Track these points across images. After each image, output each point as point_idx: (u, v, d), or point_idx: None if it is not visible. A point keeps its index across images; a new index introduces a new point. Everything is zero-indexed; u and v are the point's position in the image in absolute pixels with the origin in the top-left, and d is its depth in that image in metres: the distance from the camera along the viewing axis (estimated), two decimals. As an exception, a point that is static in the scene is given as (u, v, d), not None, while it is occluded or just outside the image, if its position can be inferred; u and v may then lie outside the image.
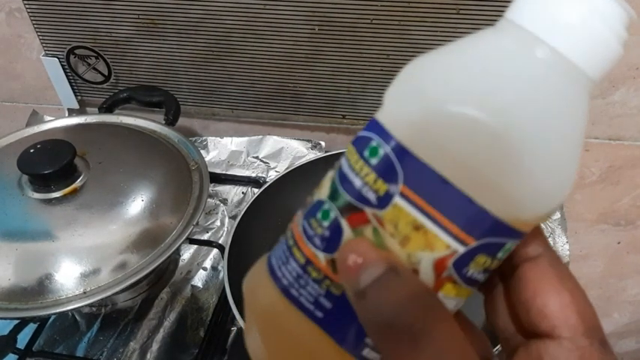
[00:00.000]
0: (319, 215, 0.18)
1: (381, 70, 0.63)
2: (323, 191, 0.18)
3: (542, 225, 0.59)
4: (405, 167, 0.16)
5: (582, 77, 0.17)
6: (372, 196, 0.17)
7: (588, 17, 0.16)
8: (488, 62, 0.17)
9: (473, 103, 0.16)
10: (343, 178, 0.18)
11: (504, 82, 0.16)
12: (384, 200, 0.17)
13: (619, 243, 0.79)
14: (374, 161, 0.17)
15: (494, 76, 0.16)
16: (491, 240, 0.16)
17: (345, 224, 0.17)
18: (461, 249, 0.16)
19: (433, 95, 0.17)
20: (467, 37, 0.18)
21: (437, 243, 0.16)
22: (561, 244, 0.57)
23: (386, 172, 0.17)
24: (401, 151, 0.16)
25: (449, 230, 0.16)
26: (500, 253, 0.17)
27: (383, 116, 0.18)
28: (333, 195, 0.18)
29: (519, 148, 0.16)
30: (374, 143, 0.17)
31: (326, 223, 0.18)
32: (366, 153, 0.17)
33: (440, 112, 0.16)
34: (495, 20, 0.55)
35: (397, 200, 0.16)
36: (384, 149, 0.17)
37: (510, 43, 0.17)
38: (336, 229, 0.17)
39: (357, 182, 0.17)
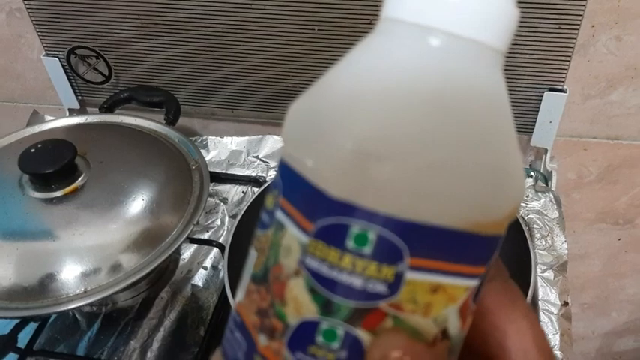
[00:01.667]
0: (321, 339, 0.14)
1: (381, 70, 0.63)
2: (300, 308, 0.15)
3: (541, 224, 0.59)
4: (405, 237, 0.14)
5: (489, 52, 0.15)
6: (382, 288, 0.14)
7: None
8: (385, 75, 0.15)
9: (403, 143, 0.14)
10: (330, 283, 0.14)
11: (413, 89, 0.14)
12: (396, 284, 0.14)
13: (617, 242, 0.79)
14: (367, 249, 0.14)
15: (400, 89, 0.14)
16: (492, 257, 0.16)
17: (361, 333, 0.14)
18: (475, 282, 0.15)
19: (369, 148, 0.14)
20: (349, 57, 0.16)
21: (457, 292, 0.15)
22: (559, 243, 0.58)
23: (388, 253, 0.14)
24: (390, 222, 0.14)
25: (463, 273, 0.15)
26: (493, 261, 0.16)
27: (349, 199, 0.14)
28: (327, 309, 0.14)
29: (454, 158, 0.14)
30: (356, 229, 0.14)
31: (337, 344, 0.14)
32: (352, 244, 0.14)
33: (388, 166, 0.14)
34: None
35: (409, 276, 0.14)
36: (373, 230, 0.14)
37: (399, 43, 0.15)
38: (353, 344, 0.14)
39: (358, 281, 0.14)
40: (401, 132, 0.14)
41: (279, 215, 0.15)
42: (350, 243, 0.14)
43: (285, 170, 0.16)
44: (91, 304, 0.48)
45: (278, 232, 0.15)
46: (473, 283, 0.15)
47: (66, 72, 0.73)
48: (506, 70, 0.60)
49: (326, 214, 0.14)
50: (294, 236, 0.15)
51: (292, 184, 0.15)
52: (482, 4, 0.15)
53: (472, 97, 0.15)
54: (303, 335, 0.15)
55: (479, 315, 0.17)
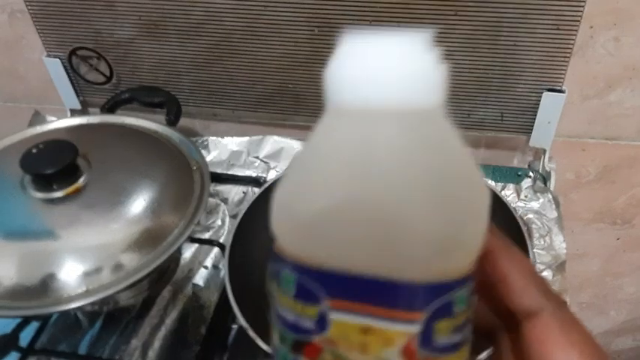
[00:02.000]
0: None
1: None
2: (274, 337, 0.18)
3: (540, 224, 0.60)
4: (320, 281, 0.16)
5: (432, 111, 0.16)
6: (310, 324, 0.16)
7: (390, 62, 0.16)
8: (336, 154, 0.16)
9: (340, 195, 0.15)
10: (278, 316, 0.17)
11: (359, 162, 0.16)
12: (322, 322, 0.16)
13: (616, 241, 0.79)
14: (292, 290, 0.16)
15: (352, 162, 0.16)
16: (436, 303, 0.15)
17: None
18: (416, 328, 0.15)
19: (300, 210, 0.16)
20: (308, 143, 0.18)
21: (392, 335, 0.16)
22: (558, 242, 0.58)
23: (307, 295, 0.16)
24: (306, 269, 0.16)
25: (393, 318, 0.15)
26: (457, 306, 0.16)
27: (278, 246, 0.17)
28: (282, 338, 0.17)
29: (391, 214, 0.15)
30: (283, 274, 0.17)
31: None
32: (283, 286, 0.17)
33: (316, 217, 0.16)
34: (491, 21, 0.56)
35: (333, 316, 0.16)
36: (293, 274, 0.16)
37: (338, 128, 0.17)
38: None
39: (290, 316, 0.17)
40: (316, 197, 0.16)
41: (344, 317, 0.17)
42: (282, 285, 0.17)
43: (324, 274, 0.17)
44: (92, 304, 0.48)
45: (357, 332, 0.16)
46: (412, 328, 0.15)
47: (67, 73, 0.73)
48: (505, 70, 0.61)
49: (273, 262, 0.17)
50: (389, 330, 0.16)
51: (348, 285, 0.16)
52: (410, 74, 0.16)
53: (395, 159, 0.16)
54: (275, 357, 0.18)
55: (527, 342, 0.17)
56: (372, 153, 0.16)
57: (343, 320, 0.16)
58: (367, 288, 0.15)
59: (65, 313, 0.56)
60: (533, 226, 0.60)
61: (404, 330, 0.15)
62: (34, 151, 0.50)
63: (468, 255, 0.17)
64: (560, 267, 0.56)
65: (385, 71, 0.16)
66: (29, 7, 0.68)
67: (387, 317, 0.15)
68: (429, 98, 0.16)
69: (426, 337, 0.16)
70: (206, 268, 0.59)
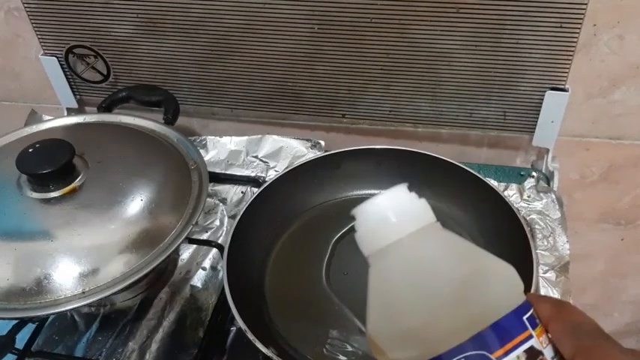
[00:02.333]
0: None
1: (381, 69, 0.63)
2: None
3: (543, 224, 0.59)
4: None
5: (432, 226, 0.23)
6: None
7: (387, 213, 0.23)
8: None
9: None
10: None
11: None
12: None
13: (620, 242, 0.79)
14: None
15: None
16: None
17: None
18: None
19: (399, 329, 0.22)
20: (372, 293, 0.23)
21: None
22: (561, 243, 0.57)
23: None
24: None
25: None
26: None
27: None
28: None
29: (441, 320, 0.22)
30: None
31: None
32: None
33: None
34: (494, 19, 0.55)
35: None
36: None
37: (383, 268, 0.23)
38: None
39: None
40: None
41: None
42: None
43: None
44: (89, 305, 0.47)
45: None
46: None
47: (64, 71, 0.73)
48: (507, 69, 0.61)
49: None
50: None
51: None
52: (408, 210, 0.23)
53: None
54: None
55: None
56: (414, 272, 0.22)
57: None
58: None
59: (62, 315, 0.56)
60: (537, 226, 0.59)
61: None
62: (31, 150, 0.50)
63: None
64: (563, 268, 0.55)
65: (396, 214, 0.23)
66: (26, 5, 0.68)
67: None
68: (428, 218, 0.23)
69: None
70: (204, 269, 0.58)
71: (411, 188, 0.23)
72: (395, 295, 0.22)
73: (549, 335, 0.22)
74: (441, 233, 0.23)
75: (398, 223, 0.23)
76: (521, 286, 0.22)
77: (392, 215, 0.23)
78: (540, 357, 0.21)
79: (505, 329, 0.20)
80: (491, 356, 0.20)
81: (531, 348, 0.21)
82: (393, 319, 0.22)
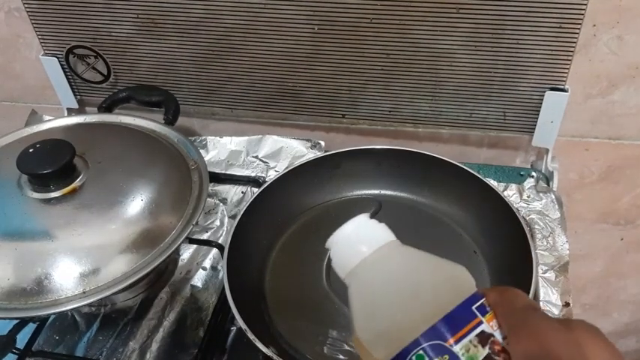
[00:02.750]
0: None
1: (381, 69, 0.63)
2: None
3: (543, 224, 0.59)
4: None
5: (393, 243, 0.28)
6: None
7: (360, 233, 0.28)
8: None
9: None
10: None
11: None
12: None
13: (619, 242, 0.79)
14: None
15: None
16: None
17: None
18: None
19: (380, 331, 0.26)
20: (352, 309, 0.27)
21: None
22: (561, 243, 0.57)
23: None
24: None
25: None
26: None
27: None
28: None
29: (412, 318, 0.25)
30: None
31: None
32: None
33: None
34: (494, 19, 0.55)
35: None
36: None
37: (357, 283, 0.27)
38: None
39: None
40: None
41: None
42: None
43: None
44: (89, 305, 0.48)
45: None
46: None
47: (64, 71, 0.73)
48: (507, 69, 0.61)
49: None
50: None
51: None
52: (370, 233, 0.28)
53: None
54: None
55: None
56: (380, 282, 0.26)
57: None
58: None
59: (62, 315, 0.56)
60: (536, 226, 0.59)
61: None
62: (31, 150, 0.50)
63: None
64: (563, 268, 0.55)
65: (359, 239, 0.27)
66: (26, 6, 0.68)
67: None
68: (387, 238, 0.28)
69: None
70: (204, 269, 0.59)
71: (374, 214, 0.28)
72: (370, 305, 0.26)
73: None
74: (399, 248, 0.28)
75: (362, 246, 0.27)
76: (472, 282, 0.26)
77: (356, 240, 0.27)
78: (492, 339, 0.23)
79: (455, 319, 0.23)
80: (446, 344, 0.23)
81: (482, 332, 0.23)
82: (373, 325, 0.26)
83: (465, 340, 0.23)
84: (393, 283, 0.26)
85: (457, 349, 0.23)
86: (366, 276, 0.27)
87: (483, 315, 0.24)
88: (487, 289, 0.25)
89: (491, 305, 0.24)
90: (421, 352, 0.23)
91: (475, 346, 0.23)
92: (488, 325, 0.24)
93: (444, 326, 0.23)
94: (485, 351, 0.23)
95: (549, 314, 0.50)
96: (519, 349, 0.22)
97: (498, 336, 0.24)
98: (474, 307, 0.24)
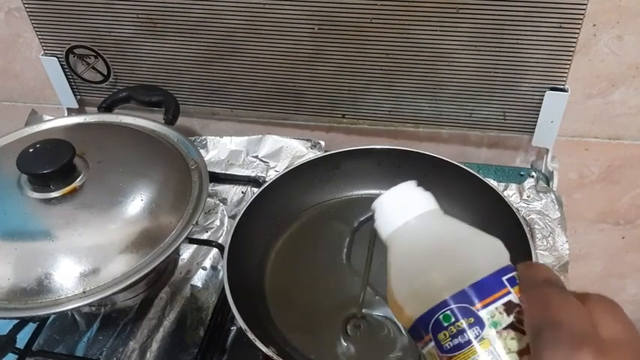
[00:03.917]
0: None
1: (382, 69, 0.63)
2: None
3: (542, 224, 0.59)
4: (412, 336, 0.28)
5: (435, 211, 0.30)
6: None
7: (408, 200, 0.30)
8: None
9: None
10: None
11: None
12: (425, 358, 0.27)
13: (619, 242, 0.79)
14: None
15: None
16: (431, 326, 0.25)
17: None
18: (433, 344, 0.26)
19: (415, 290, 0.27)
20: (389, 269, 0.29)
21: (432, 352, 0.26)
22: (561, 243, 0.57)
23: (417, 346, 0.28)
24: (408, 331, 0.28)
25: (426, 343, 0.26)
26: (444, 322, 0.25)
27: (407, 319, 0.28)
28: None
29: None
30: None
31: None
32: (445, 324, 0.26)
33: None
34: (494, 19, 0.56)
35: (424, 350, 0.27)
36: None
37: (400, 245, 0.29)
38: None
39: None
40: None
41: (423, 351, 0.27)
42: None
43: (409, 331, 0.27)
44: (90, 305, 0.48)
45: (430, 357, 0.26)
46: (432, 344, 0.26)
47: (64, 71, 0.73)
48: (507, 69, 0.61)
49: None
50: (431, 350, 0.26)
51: (413, 333, 0.27)
52: (416, 199, 0.30)
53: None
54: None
55: None
56: (420, 245, 0.28)
57: (428, 351, 0.26)
58: (416, 330, 0.26)
59: (62, 315, 0.56)
60: (536, 226, 0.59)
61: (432, 347, 0.26)
62: (31, 150, 0.50)
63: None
64: (562, 267, 0.55)
65: (405, 203, 0.29)
66: (26, 6, 0.68)
67: (427, 343, 0.26)
68: (431, 205, 0.30)
69: (439, 346, 0.25)
70: (204, 269, 0.59)
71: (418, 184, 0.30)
72: (407, 265, 0.28)
73: None
74: (441, 216, 0.29)
75: (405, 210, 0.29)
76: (506, 254, 0.27)
77: (401, 204, 0.29)
78: (517, 309, 0.24)
79: (485, 286, 0.25)
80: (473, 308, 0.24)
81: (509, 302, 0.25)
82: (408, 283, 0.27)
83: (492, 307, 0.24)
84: (432, 246, 0.28)
85: (483, 313, 0.24)
86: (407, 238, 0.28)
87: (512, 286, 0.25)
88: (520, 264, 0.26)
89: (519, 278, 0.26)
90: (448, 312, 0.25)
91: (501, 314, 0.24)
92: (517, 296, 0.25)
93: (474, 291, 0.25)
94: (510, 319, 0.24)
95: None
96: (528, 319, 0.23)
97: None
98: (504, 278, 0.25)
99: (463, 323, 0.24)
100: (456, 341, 0.24)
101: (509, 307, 0.24)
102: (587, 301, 0.23)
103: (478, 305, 0.24)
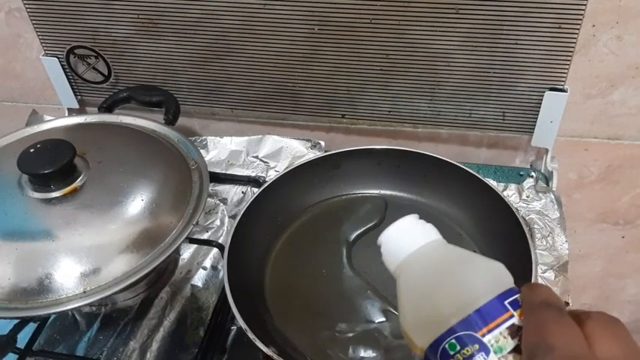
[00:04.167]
0: None
1: (380, 69, 0.63)
2: None
3: (542, 224, 0.59)
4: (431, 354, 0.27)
5: (438, 241, 0.30)
6: None
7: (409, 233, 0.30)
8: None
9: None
10: None
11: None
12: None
13: (619, 242, 0.79)
14: None
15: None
16: (438, 355, 0.25)
17: None
18: None
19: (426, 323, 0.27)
20: (400, 298, 0.29)
21: None
22: (560, 243, 0.57)
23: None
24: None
25: None
26: (450, 351, 0.25)
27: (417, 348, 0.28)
28: None
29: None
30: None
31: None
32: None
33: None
34: (492, 19, 0.56)
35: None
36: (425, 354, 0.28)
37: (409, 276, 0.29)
38: None
39: None
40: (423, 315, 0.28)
41: None
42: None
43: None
44: (90, 305, 0.48)
45: None
46: None
47: (65, 72, 0.73)
48: (506, 69, 0.61)
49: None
50: None
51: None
52: (418, 231, 0.30)
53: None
54: None
55: None
56: (425, 275, 0.28)
57: None
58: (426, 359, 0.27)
59: (63, 315, 0.56)
60: (535, 226, 0.59)
61: None
62: (32, 150, 0.50)
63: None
64: (562, 268, 0.55)
65: (409, 235, 0.30)
66: (27, 6, 0.68)
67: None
68: (434, 235, 0.30)
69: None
70: (205, 269, 0.59)
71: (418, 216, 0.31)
72: (415, 296, 0.28)
73: None
74: (445, 245, 0.30)
75: (411, 241, 0.29)
76: (509, 278, 0.27)
77: (406, 236, 0.30)
78: (521, 332, 0.25)
79: (488, 312, 0.25)
80: (477, 335, 0.24)
81: (512, 325, 0.25)
82: (416, 314, 0.28)
83: (496, 332, 0.24)
84: (436, 274, 0.28)
85: (487, 339, 0.24)
86: (413, 268, 0.29)
87: (515, 309, 0.25)
88: (523, 286, 0.26)
89: (522, 300, 0.26)
90: (454, 340, 0.25)
91: (505, 338, 0.24)
92: (520, 318, 0.25)
93: (477, 318, 0.25)
94: (514, 342, 0.24)
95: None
96: (525, 342, 0.24)
97: None
98: (506, 302, 0.25)
99: (469, 350, 0.24)
100: None
101: (512, 331, 0.25)
102: (589, 319, 0.23)
103: (483, 331, 0.25)
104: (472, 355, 0.24)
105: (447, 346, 0.25)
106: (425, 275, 0.28)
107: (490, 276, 0.27)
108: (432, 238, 0.30)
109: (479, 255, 0.29)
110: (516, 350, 0.24)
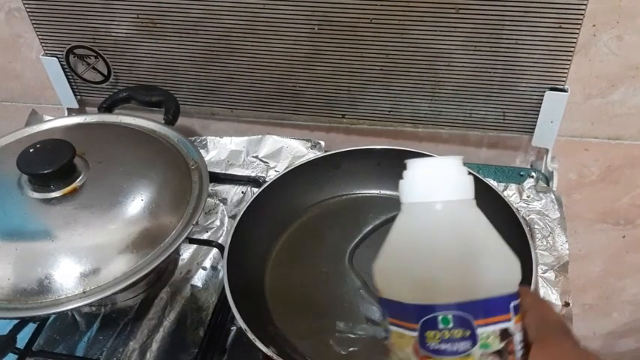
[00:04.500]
0: None
1: (381, 69, 0.63)
2: None
3: (542, 224, 0.59)
4: (384, 307, 0.27)
5: (467, 202, 0.27)
6: (384, 332, 0.28)
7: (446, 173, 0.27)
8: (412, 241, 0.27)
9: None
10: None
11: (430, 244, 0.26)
12: (387, 331, 0.27)
13: (619, 242, 0.79)
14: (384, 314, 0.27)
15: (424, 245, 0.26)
16: (424, 319, 0.24)
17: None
18: (415, 333, 0.25)
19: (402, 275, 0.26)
20: (393, 233, 0.27)
21: (407, 338, 0.25)
22: (560, 243, 0.57)
23: (383, 314, 0.27)
24: (382, 300, 0.27)
25: (404, 326, 0.25)
26: (441, 324, 0.24)
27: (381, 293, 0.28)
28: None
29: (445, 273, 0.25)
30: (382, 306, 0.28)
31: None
32: (441, 325, 0.25)
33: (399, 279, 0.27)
34: (493, 19, 0.56)
35: (390, 327, 0.27)
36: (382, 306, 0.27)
37: (414, 218, 0.27)
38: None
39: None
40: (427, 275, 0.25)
41: (393, 328, 0.26)
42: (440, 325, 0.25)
43: (386, 303, 0.27)
44: (90, 305, 0.48)
45: (397, 337, 0.26)
46: (412, 333, 0.25)
47: (65, 71, 0.73)
48: (506, 69, 0.61)
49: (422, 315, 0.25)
50: (407, 335, 0.25)
51: (393, 309, 0.26)
52: (453, 181, 0.26)
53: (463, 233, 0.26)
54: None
55: None
56: (439, 234, 0.26)
57: (392, 329, 0.26)
58: (394, 308, 0.26)
59: (62, 315, 0.56)
60: (536, 226, 0.59)
61: (411, 335, 0.25)
62: (31, 150, 0.50)
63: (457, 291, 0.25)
64: (562, 268, 0.55)
65: (438, 180, 0.26)
66: (26, 6, 0.68)
67: (402, 325, 0.25)
68: (467, 193, 0.27)
69: (422, 341, 0.25)
70: (205, 269, 0.59)
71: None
72: (409, 245, 0.26)
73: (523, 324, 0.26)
74: (472, 210, 0.27)
75: (439, 188, 0.26)
76: (519, 277, 0.26)
77: (437, 179, 0.26)
78: (509, 338, 0.25)
79: (493, 306, 0.24)
80: (473, 323, 0.24)
81: (506, 329, 0.24)
82: (399, 264, 0.26)
83: (490, 328, 0.24)
84: (454, 239, 0.26)
85: (480, 331, 0.24)
86: (429, 217, 0.26)
87: (515, 314, 0.25)
88: (524, 292, 0.26)
89: (524, 308, 0.26)
90: (450, 316, 0.24)
91: (495, 338, 0.24)
92: (515, 325, 0.25)
93: (483, 307, 0.24)
94: (500, 345, 0.24)
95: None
96: (531, 319, 0.25)
97: (517, 338, 0.25)
98: (512, 304, 0.25)
99: (458, 333, 0.24)
100: (443, 346, 0.24)
101: (504, 334, 0.24)
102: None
103: (480, 322, 0.24)
104: (458, 340, 0.24)
105: (440, 317, 0.24)
106: (439, 230, 0.26)
107: (507, 270, 0.26)
108: (464, 196, 0.26)
109: (503, 241, 0.26)
110: (497, 354, 0.24)
